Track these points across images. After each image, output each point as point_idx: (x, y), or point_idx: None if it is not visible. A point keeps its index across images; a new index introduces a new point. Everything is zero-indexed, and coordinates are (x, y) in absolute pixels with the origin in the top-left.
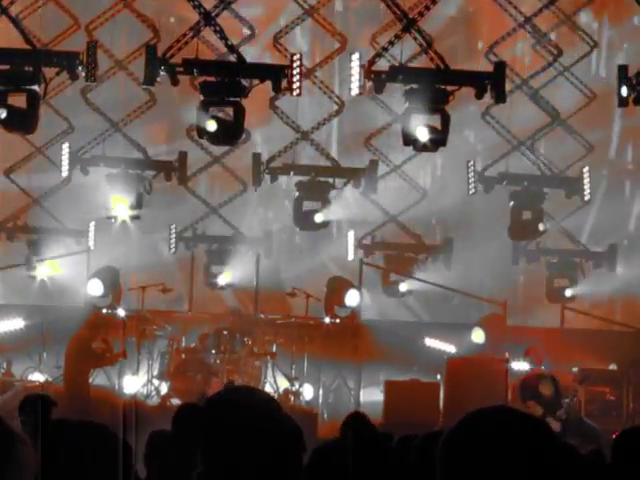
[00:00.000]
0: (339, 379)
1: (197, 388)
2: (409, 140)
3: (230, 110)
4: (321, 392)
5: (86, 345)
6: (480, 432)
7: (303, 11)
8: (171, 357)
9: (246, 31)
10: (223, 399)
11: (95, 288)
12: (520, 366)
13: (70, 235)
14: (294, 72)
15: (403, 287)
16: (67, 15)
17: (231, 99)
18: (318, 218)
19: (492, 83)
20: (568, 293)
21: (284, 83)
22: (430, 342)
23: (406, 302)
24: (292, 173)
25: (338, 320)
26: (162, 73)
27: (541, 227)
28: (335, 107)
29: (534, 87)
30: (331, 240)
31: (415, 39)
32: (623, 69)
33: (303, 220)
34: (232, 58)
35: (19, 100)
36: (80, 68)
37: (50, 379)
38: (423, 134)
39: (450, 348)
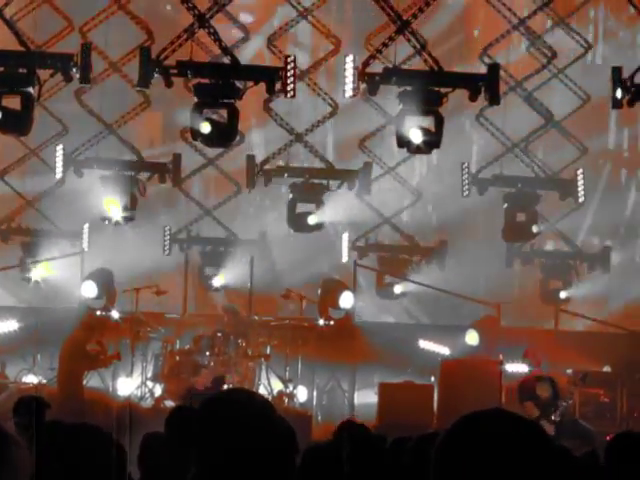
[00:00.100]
0: (333, 381)
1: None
2: (403, 142)
3: (224, 112)
4: (315, 394)
5: (80, 347)
6: (475, 435)
7: (297, 13)
8: (165, 359)
9: (240, 33)
10: (216, 401)
11: (89, 290)
12: (516, 368)
13: (64, 237)
14: (288, 74)
15: (398, 289)
16: (61, 17)
17: (225, 101)
18: (312, 220)
19: (486, 85)
20: (562, 295)
21: (278, 85)
22: (424, 344)
23: (400, 304)
24: (286, 175)
25: (332, 322)
26: (156, 75)
27: (535, 229)
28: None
29: (528, 89)
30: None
31: (409, 41)
32: (617, 71)
33: (297, 222)
34: (226, 60)
35: (13, 102)
36: (74, 70)
37: (44, 381)
38: (417, 136)
39: (444, 350)
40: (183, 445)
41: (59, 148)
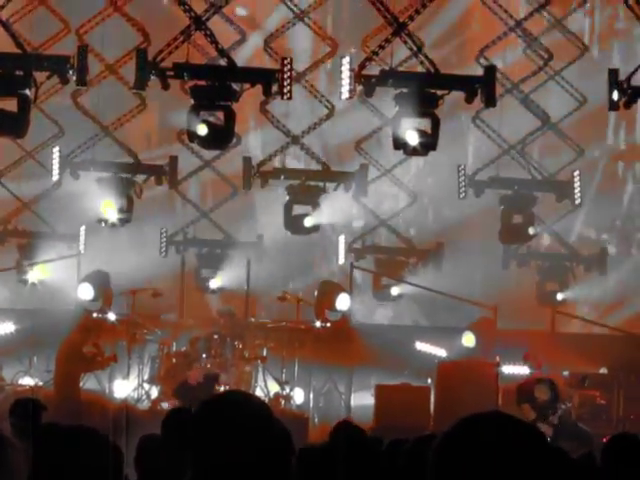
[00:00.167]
0: (330, 383)
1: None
2: (399, 144)
3: (221, 114)
4: (312, 396)
5: (77, 349)
6: (472, 437)
7: (294, 15)
8: (161, 361)
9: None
10: (213, 403)
11: (85, 292)
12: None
13: (61, 239)
14: (285, 76)
15: (395, 291)
16: (57, 19)
17: (222, 103)
18: (308, 222)
19: (482, 87)
20: (559, 297)
21: (275, 87)
22: (421, 346)
23: (397, 306)
24: (282, 177)
25: (329, 324)
26: (152, 77)
27: (531, 231)
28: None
29: (525, 91)
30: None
31: (405, 43)
32: (613, 73)
33: (293, 224)
34: (223, 62)
35: (10, 104)
36: (71, 72)
37: (40, 383)
38: (413, 138)
39: (441, 352)
40: (180, 447)
41: (55, 150)
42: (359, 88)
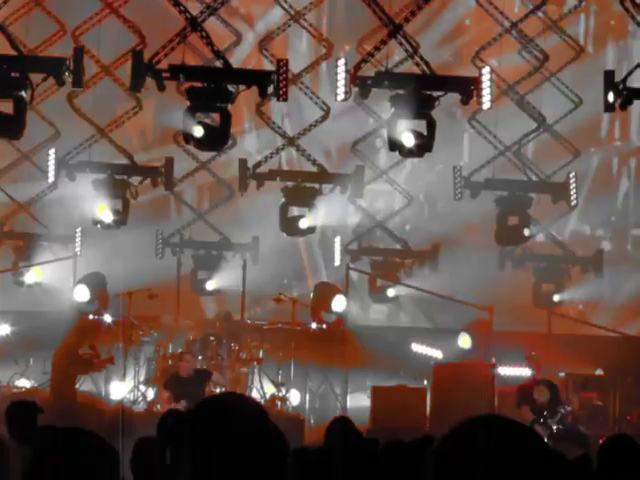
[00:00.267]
0: (326, 385)
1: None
2: (395, 145)
3: (217, 116)
4: (308, 398)
5: (73, 351)
6: (471, 441)
7: (289, 17)
8: (157, 363)
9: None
10: (208, 405)
11: (81, 294)
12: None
13: (57, 241)
14: (280, 77)
15: (391, 292)
16: (53, 21)
17: (217, 105)
18: (303, 224)
19: (478, 89)
20: (555, 298)
21: (270, 89)
22: (417, 347)
23: (393, 307)
24: (278, 179)
25: (325, 326)
26: (148, 79)
27: (527, 232)
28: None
29: (521, 93)
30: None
31: (401, 44)
32: (609, 75)
33: (289, 226)
34: (218, 64)
35: (6, 106)
36: (67, 74)
37: (37, 385)
38: (409, 139)
39: (437, 353)
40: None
41: (51, 152)
42: (354, 90)
